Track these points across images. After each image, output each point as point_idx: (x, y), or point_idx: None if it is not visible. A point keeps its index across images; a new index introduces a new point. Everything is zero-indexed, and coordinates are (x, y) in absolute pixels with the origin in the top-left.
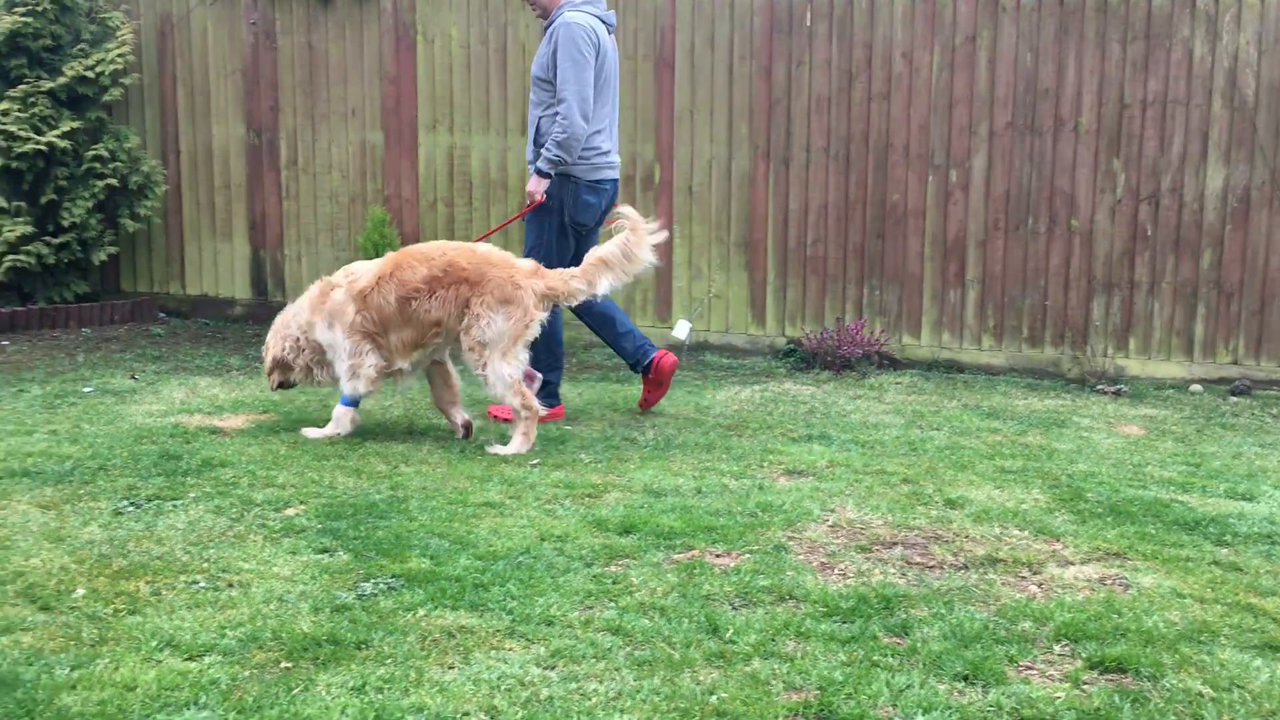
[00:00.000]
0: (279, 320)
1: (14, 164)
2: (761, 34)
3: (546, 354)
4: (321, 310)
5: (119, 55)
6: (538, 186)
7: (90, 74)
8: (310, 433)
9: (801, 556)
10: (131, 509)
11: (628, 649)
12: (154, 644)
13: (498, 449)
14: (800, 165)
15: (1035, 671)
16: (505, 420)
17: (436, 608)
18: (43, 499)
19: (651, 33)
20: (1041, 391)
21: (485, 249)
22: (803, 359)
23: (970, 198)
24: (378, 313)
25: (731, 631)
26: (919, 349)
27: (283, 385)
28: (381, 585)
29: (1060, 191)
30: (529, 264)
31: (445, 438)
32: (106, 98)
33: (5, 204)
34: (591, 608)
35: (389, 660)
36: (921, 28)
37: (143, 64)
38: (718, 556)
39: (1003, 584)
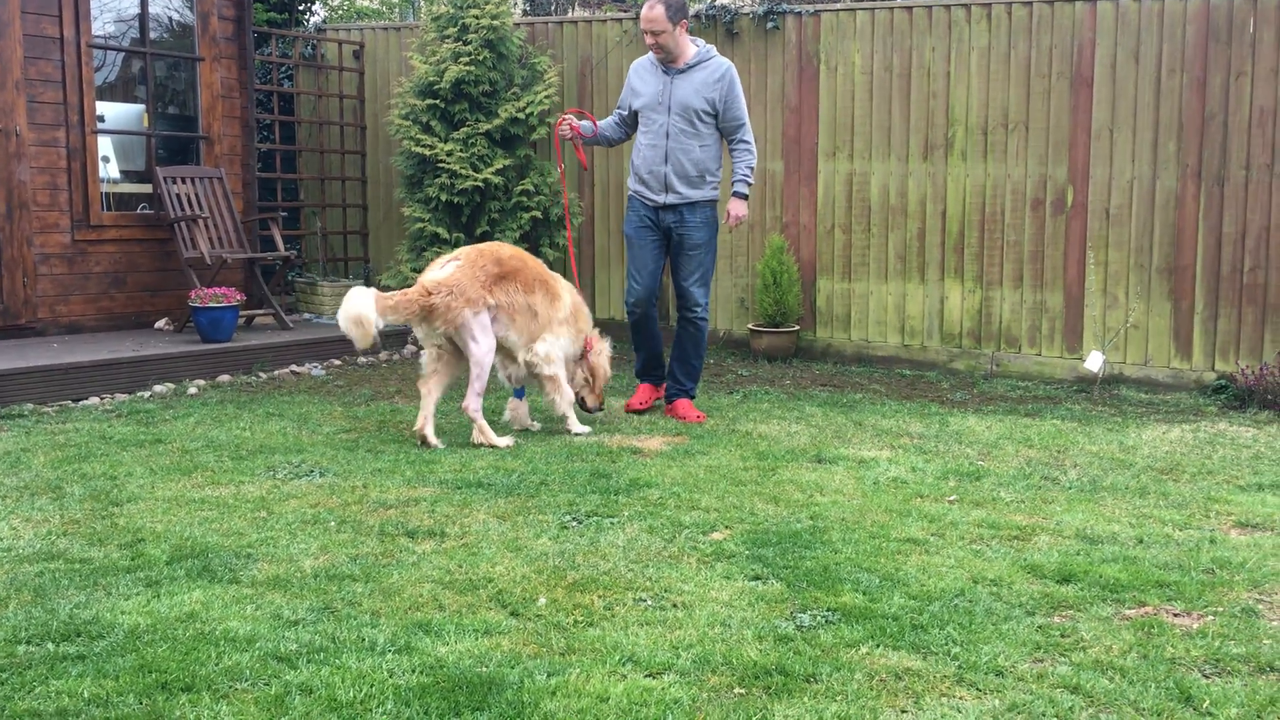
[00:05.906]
0: None
1: (455, 199)
2: (1195, 44)
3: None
4: None
5: (546, 97)
6: (745, 211)
7: (521, 115)
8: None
9: (1277, 623)
10: (575, 524)
11: (1090, 710)
12: (616, 658)
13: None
14: (1238, 184)
15: None
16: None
17: (878, 646)
18: (497, 509)
19: (1068, 49)
20: None
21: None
22: (1236, 397)
23: None
24: None
25: (1208, 702)
26: None
27: None
28: (819, 618)
29: None
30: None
31: (856, 468)
32: (534, 136)
33: (446, 234)
34: (1042, 660)
35: (839, 697)
36: None
37: (564, 103)
38: (1176, 616)
39: None
